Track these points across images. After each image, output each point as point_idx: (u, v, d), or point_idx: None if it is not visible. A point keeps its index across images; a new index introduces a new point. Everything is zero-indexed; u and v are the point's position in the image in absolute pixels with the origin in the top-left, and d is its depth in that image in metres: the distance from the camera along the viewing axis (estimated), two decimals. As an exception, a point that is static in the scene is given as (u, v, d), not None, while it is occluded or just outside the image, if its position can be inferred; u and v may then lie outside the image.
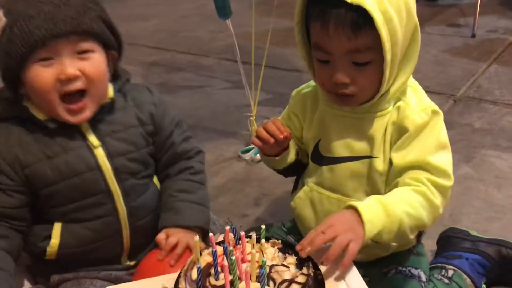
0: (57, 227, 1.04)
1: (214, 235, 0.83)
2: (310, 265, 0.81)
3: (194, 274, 0.78)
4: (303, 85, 1.14)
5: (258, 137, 1.02)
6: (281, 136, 1.00)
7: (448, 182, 0.96)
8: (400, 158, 0.97)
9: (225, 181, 1.79)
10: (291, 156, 1.09)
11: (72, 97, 0.97)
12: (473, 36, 2.89)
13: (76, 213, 1.04)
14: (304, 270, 0.80)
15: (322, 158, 1.07)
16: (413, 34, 0.94)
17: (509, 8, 3.33)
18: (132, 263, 1.13)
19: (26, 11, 0.93)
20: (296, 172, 1.18)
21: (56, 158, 1.00)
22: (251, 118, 1.90)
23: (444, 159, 0.96)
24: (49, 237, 1.04)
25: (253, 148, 1.91)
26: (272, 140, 1.01)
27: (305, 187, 1.11)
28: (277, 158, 1.07)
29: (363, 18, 0.86)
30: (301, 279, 0.79)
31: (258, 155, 1.89)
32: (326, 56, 0.93)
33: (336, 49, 0.91)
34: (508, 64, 2.56)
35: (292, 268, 0.81)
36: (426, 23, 3.12)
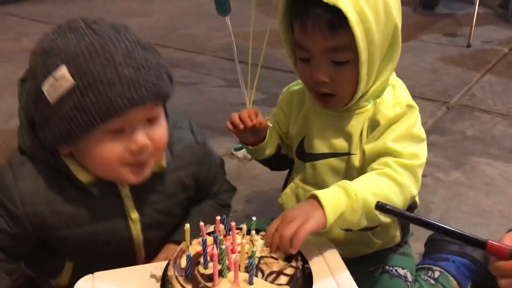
0: (67, 273, 0.98)
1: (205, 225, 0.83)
2: (299, 258, 0.82)
3: (183, 262, 0.79)
4: (294, 83, 1.15)
5: (231, 122, 1.05)
6: (249, 123, 1.02)
7: (415, 161, 0.94)
8: (370, 148, 0.97)
9: (217, 177, 1.79)
10: (270, 148, 1.12)
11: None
12: (469, 46, 2.92)
13: (92, 264, 0.91)
14: (293, 263, 0.81)
15: (305, 155, 1.08)
16: (393, 35, 0.94)
17: (505, 20, 3.37)
18: None
19: (105, 75, 0.78)
20: (282, 166, 1.20)
21: (87, 226, 0.91)
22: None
23: (412, 147, 0.95)
24: (58, 271, 0.98)
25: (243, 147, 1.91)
26: (241, 126, 1.03)
27: (292, 184, 1.12)
28: (251, 147, 1.10)
29: (339, 18, 0.87)
30: (289, 271, 0.79)
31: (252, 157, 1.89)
32: (306, 54, 0.94)
33: (314, 47, 0.92)
34: (502, 75, 2.58)
35: (281, 261, 0.81)
36: (423, 32, 3.14)
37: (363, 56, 0.89)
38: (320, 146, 1.05)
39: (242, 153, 1.90)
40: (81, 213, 0.90)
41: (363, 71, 0.91)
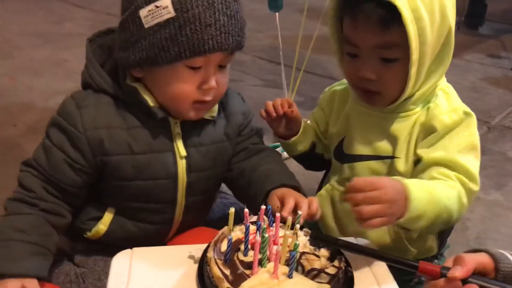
0: (109, 216, 1.00)
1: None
2: (343, 259, 0.79)
3: (224, 246, 0.77)
4: (336, 83, 1.14)
5: (265, 109, 1.06)
6: (280, 111, 1.03)
7: (475, 187, 0.92)
8: (428, 153, 0.93)
9: (250, 174, 1.77)
10: (304, 145, 1.10)
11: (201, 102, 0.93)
12: (513, 68, 2.86)
13: (133, 211, 1.00)
14: (335, 263, 0.78)
15: (343, 156, 1.05)
16: (446, 37, 0.92)
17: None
18: None
19: (204, 17, 0.84)
20: (317, 166, 1.19)
21: (140, 155, 0.94)
22: (283, 115, 1.89)
23: (473, 162, 0.92)
24: (97, 219, 1.00)
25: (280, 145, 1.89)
26: (273, 113, 1.04)
27: (327, 185, 1.10)
28: (284, 141, 1.11)
29: (392, 14, 0.85)
30: (331, 270, 0.77)
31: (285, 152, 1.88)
32: (354, 50, 0.93)
33: (364, 43, 0.90)
34: (546, 100, 2.52)
35: (323, 260, 0.79)
36: (466, 51, 3.09)
37: (414, 55, 0.87)
38: (360, 148, 1.02)
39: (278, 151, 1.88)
40: (137, 141, 0.94)
41: (413, 70, 0.89)
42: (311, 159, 1.14)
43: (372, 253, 0.75)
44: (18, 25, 3.51)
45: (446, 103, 0.96)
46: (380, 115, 0.99)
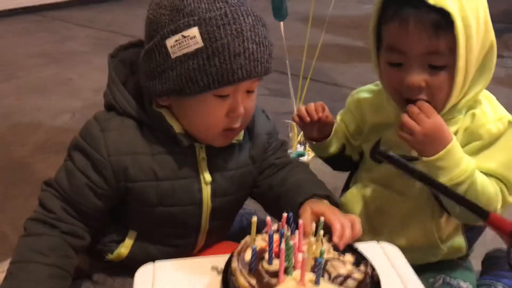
0: (130, 240, 0.99)
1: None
2: (368, 263, 0.78)
3: (248, 255, 0.76)
4: (362, 88, 1.13)
5: (298, 114, 1.06)
6: (315, 117, 1.03)
7: (510, 198, 0.95)
8: (475, 161, 0.94)
9: (261, 183, 1.77)
10: (334, 147, 1.11)
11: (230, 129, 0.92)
12: (517, 67, 2.86)
13: (156, 235, 0.99)
14: (362, 268, 0.77)
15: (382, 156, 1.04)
16: (489, 47, 0.93)
17: (555, 43, 3.30)
18: None
19: (233, 45, 0.82)
20: (344, 166, 1.18)
21: (165, 182, 0.93)
22: (292, 123, 1.90)
23: None
24: (118, 242, 0.99)
25: (291, 153, 1.90)
26: (307, 118, 1.04)
27: (359, 184, 1.10)
28: (314, 143, 1.11)
29: (444, 20, 0.86)
30: (358, 276, 0.76)
31: (298, 159, 1.88)
32: (399, 58, 0.91)
33: (414, 49, 0.89)
34: (552, 98, 2.52)
35: (349, 265, 0.78)
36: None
37: (461, 62, 0.87)
38: (400, 148, 1.00)
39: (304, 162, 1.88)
40: (162, 167, 0.92)
41: (459, 77, 0.89)
42: (340, 161, 1.15)
43: (441, 186, 0.72)
44: (21, 46, 3.54)
45: (491, 111, 0.97)
46: None
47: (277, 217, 0.91)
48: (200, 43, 0.82)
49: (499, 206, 0.93)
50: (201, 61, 0.82)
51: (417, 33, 0.87)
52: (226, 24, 0.82)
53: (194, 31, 0.82)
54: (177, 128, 0.91)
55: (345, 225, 0.83)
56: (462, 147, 0.96)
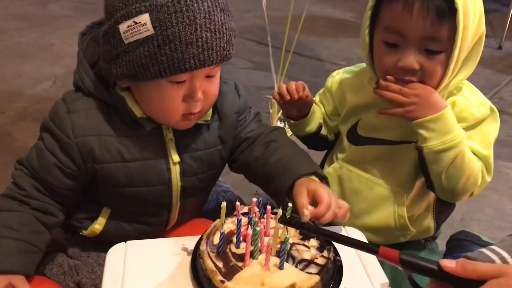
0: (104, 216, 1.00)
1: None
2: (332, 249, 0.82)
3: (217, 239, 0.79)
4: (344, 69, 1.14)
5: (278, 92, 1.08)
6: (296, 96, 1.05)
7: (489, 178, 1.00)
8: None
9: (239, 158, 1.79)
10: (311, 126, 1.13)
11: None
12: (500, 48, 2.88)
13: (129, 213, 1.00)
14: (325, 253, 0.80)
15: (359, 138, 1.08)
16: (479, 38, 0.95)
17: (540, 23, 3.31)
18: None
19: (185, 34, 0.80)
20: (320, 146, 1.21)
21: (132, 163, 0.93)
22: (272, 100, 1.90)
23: (492, 155, 1.00)
24: (92, 219, 1.01)
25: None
26: (288, 97, 1.06)
27: (335, 164, 1.12)
28: (292, 121, 1.13)
29: (448, 7, 0.88)
30: (320, 261, 0.79)
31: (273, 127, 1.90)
32: (397, 39, 0.93)
33: (414, 32, 0.91)
34: (533, 80, 2.55)
35: (313, 250, 0.81)
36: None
37: (457, 49, 0.90)
38: (380, 132, 1.04)
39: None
40: (128, 148, 0.93)
41: (452, 64, 0.91)
42: (316, 140, 1.17)
43: (333, 236, 0.76)
44: (1, 8, 3.45)
45: (472, 97, 1.01)
46: None
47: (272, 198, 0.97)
48: (151, 31, 0.80)
49: (479, 182, 0.98)
50: (152, 49, 0.81)
51: (421, 18, 0.89)
52: (178, 11, 0.80)
53: (145, 17, 0.80)
54: (138, 112, 0.91)
55: (331, 207, 0.84)
56: None
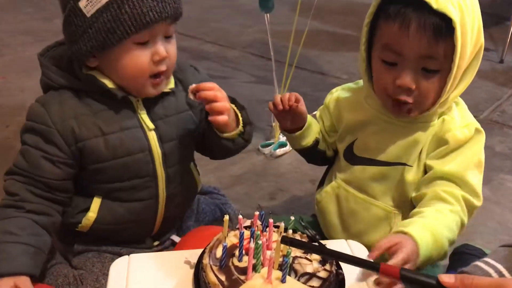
0: (96, 202, 1.04)
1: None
2: (334, 263, 0.82)
3: (219, 252, 0.79)
4: (343, 86, 1.15)
5: (273, 102, 1.08)
6: (286, 106, 1.05)
7: (478, 203, 0.98)
8: (438, 164, 0.97)
9: (242, 172, 1.80)
10: (307, 140, 1.13)
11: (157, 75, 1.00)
12: (501, 61, 2.89)
13: (119, 192, 1.04)
14: (327, 267, 0.80)
15: (355, 158, 1.08)
16: (477, 53, 0.94)
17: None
18: (156, 243, 1.14)
19: None
20: (318, 161, 1.22)
21: (112, 135, 1.00)
22: (275, 113, 1.91)
23: (478, 178, 0.98)
24: (86, 209, 1.04)
25: (273, 143, 1.92)
26: (280, 106, 1.06)
27: (333, 183, 1.12)
28: (288, 133, 1.14)
29: (445, 25, 0.87)
30: (322, 274, 0.79)
31: (277, 150, 1.91)
32: (395, 58, 0.93)
33: (411, 52, 0.90)
34: (534, 93, 2.56)
35: (315, 263, 0.81)
36: (454, 43, 3.11)
37: (455, 68, 0.89)
38: (375, 152, 1.04)
39: (269, 149, 1.91)
40: (105, 122, 1.00)
41: (450, 82, 0.90)
42: (313, 154, 1.17)
43: (335, 255, 0.77)
44: (6, 23, 3.49)
45: (459, 117, 0.99)
46: (400, 123, 1.01)
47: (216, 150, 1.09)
48: None
49: (463, 228, 0.96)
50: (113, 11, 0.91)
51: (418, 37, 0.88)
52: None
53: None
54: (109, 83, 0.99)
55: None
56: (431, 152, 0.99)
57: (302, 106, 1.07)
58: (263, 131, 2.03)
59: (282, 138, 1.94)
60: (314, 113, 1.20)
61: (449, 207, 0.93)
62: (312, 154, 1.17)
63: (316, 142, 1.14)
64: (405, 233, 0.85)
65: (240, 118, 1.04)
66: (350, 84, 1.14)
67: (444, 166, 0.96)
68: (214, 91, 0.97)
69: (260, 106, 2.23)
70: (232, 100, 1.05)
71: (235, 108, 1.04)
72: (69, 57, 1.01)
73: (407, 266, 0.81)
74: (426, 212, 0.92)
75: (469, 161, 0.97)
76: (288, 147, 1.93)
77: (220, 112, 0.97)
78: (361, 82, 1.09)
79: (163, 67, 0.98)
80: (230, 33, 3.32)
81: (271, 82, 2.03)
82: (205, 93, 0.97)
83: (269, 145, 1.92)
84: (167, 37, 0.98)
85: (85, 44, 0.94)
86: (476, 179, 0.97)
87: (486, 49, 3.45)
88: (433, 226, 0.88)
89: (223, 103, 0.97)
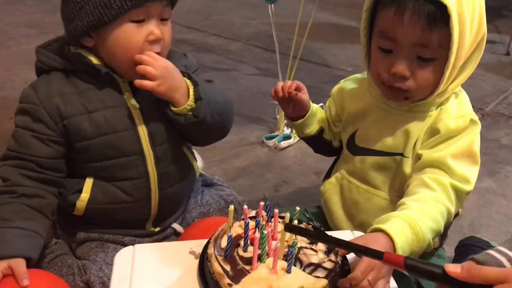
0: (88, 182, 1.06)
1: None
2: (339, 252, 0.81)
3: (224, 242, 0.79)
4: (348, 77, 1.15)
5: (274, 89, 1.09)
6: (286, 93, 1.06)
7: (469, 187, 0.94)
8: (426, 154, 0.96)
9: (246, 164, 1.80)
10: (311, 128, 1.13)
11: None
12: (507, 54, 2.86)
13: (108, 171, 1.06)
14: (332, 257, 0.80)
15: (356, 148, 1.07)
16: (479, 43, 0.93)
17: (546, 30, 3.30)
18: (157, 229, 1.15)
19: None
20: (325, 151, 1.22)
21: (96, 113, 1.02)
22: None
23: (467, 167, 0.94)
24: (80, 191, 1.06)
25: (277, 135, 1.92)
26: (280, 93, 1.06)
27: (337, 174, 1.12)
28: (292, 121, 1.14)
29: (440, 13, 0.86)
30: (328, 265, 0.78)
31: (282, 143, 1.90)
32: (390, 45, 0.92)
33: (405, 39, 0.89)
34: (541, 85, 2.54)
35: (321, 254, 0.81)
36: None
37: (452, 57, 0.88)
38: (374, 142, 1.04)
39: (274, 142, 1.90)
40: (90, 101, 1.02)
41: (448, 71, 0.89)
42: (319, 144, 1.17)
43: (338, 242, 0.76)
44: (10, 15, 3.49)
45: (456, 108, 0.98)
46: (398, 112, 1.01)
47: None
48: None
49: (451, 216, 0.93)
50: None
51: (412, 24, 0.87)
52: None
53: None
54: (94, 60, 1.01)
55: None
56: (424, 141, 0.98)
57: (304, 95, 1.07)
58: (268, 124, 2.02)
59: (287, 131, 1.94)
60: (320, 104, 1.20)
61: (432, 195, 0.90)
62: (317, 143, 1.17)
63: (321, 131, 1.14)
64: (381, 230, 0.83)
65: (192, 93, 1.03)
66: (358, 75, 1.14)
67: (433, 153, 0.95)
68: (152, 58, 0.98)
69: (264, 99, 2.22)
70: (188, 76, 1.05)
71: (188, 82, 1.04)
72: (62, 42, 1.03)
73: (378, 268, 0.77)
74: (407, 204, 0.89)
75: (460, 150, 0.94)
76: (292, 140, 1.92)
77: (147, 77, 0.98)
78: None
79: (157, 48, 1.00)
80: (234, 25, 3.31)
81: (276, 75, 2.02)
82: (143, 63, 0.98)
83: (274, 137, 1.92)
84: (163, 20, 1.00)
85: (82, 20, 0.96)
86: (466, 167, 0.94)
87: (492, 42, 3.45)
88: (412, 218, 0.85)
89: (152, 69, 0.98)
